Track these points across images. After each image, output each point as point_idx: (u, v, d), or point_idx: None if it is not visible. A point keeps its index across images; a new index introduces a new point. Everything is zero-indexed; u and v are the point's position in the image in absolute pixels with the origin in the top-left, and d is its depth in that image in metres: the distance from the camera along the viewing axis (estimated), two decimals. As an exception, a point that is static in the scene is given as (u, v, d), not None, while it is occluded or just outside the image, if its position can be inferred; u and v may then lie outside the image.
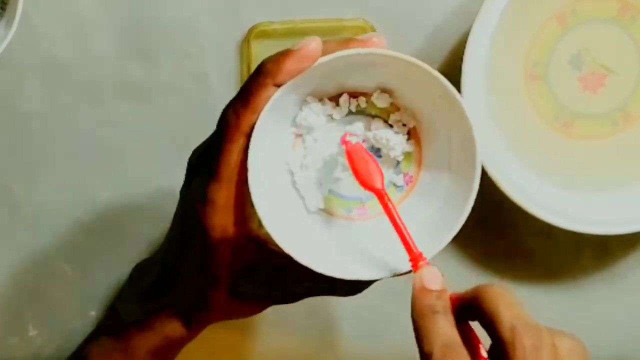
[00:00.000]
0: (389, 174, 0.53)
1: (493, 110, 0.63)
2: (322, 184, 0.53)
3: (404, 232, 0.47)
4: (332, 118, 0.52)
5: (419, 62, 0.48)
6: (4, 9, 0.61)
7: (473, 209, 0.68)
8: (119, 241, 0.68)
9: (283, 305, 0.55)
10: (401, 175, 0.53)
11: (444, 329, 0.45)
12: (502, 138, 0.64)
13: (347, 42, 0.48)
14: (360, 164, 0.50)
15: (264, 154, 0.50)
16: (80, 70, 0.66)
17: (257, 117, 0.48)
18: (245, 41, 0.63)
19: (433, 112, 0.51)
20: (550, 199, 0.65)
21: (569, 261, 0.69)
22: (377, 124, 0.53)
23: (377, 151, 0.53)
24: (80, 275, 0.68)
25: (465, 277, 0.68)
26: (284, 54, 0.48)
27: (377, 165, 0.50)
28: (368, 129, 0.52)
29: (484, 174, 0.61)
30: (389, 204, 0.48)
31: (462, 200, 0.50)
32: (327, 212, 0.53)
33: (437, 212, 0.52)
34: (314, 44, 0.47)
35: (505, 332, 0.43)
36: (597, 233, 0.64)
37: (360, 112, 0.53)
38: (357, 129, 0.52)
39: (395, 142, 0.52)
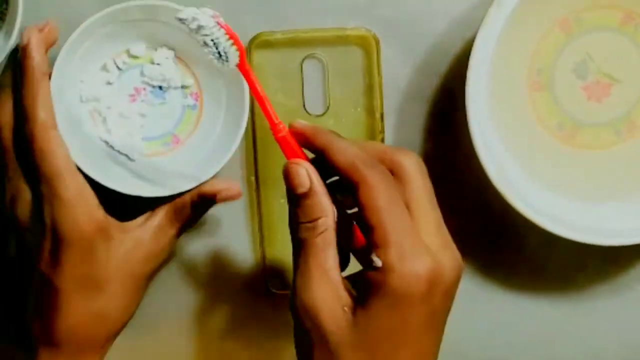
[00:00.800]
0: (182, 102, 0.63)
1: (497, 119, 0.62)
2: (133, 136, 0.63)
3: (266, 103, 0.51)
4: (109, 83, 0.62)
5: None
6: (2, 20, 0.60)
7: (476, 218, 0.68)
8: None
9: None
10: (189, 97, 0.63)
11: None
12: (506, 147, 0.63)
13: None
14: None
15: (75, 138, 0.58)
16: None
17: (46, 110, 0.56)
18: (247, 51, 0.63)
19: (190, 40, 0.56)
20: (555, 208, 0.64)
21: (573, 271, 0.69)
22: (148, 68, 0.62)
23: (161, 90, 0.63)
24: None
25: (469, 288, 0.68)
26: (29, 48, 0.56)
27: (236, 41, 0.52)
28: (144, 75, 0.63)
29: (487, 182, 0.61)
30: (251, 75, 0.52)
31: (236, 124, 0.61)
32: (151, 155, 0.63)
33: (220, 136, 0.63)
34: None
35: (347, 166, 0.48)
36: (603, 244, 0.63)
37: (130, 65, 0.63)
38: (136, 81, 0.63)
39: (168, 74, 0.62)
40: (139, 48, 0.62)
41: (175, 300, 0.67)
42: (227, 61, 0.51)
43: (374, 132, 0.64)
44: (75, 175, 0.55)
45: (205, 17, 0.50)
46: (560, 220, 0.63)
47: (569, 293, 0.70)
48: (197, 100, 0.63)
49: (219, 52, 0.51)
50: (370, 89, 0.64)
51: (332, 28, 0.63)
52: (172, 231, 0.60)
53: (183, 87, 0.63)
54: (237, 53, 0.51)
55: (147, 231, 0.59)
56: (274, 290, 0.66)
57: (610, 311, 0.70)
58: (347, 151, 0.48)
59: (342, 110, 0.64)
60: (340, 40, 0.63)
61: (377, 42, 0.63)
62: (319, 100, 0.64)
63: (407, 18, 0.64)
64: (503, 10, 0.59)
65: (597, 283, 0.70)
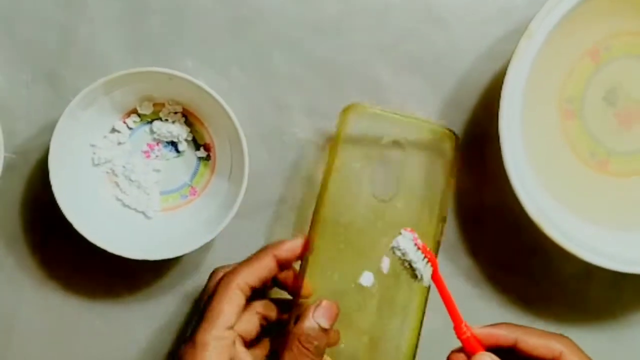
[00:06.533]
0: (196, 153, 0.63)
1: (529, 150, 0.62)
2: (149, 194, 0.63)
3: (454, 306, 0.56)
4: (121, 143, 0.62)
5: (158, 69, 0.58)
6: None
7: (512, 249, 0.67)
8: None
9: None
10: (202, 149, 0.63)
11: None
12: (539, 177, 0.63)
13: None
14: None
15: (86, 202, 0.60)
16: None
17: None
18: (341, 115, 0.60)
19: (197, 100, 0.60)
20: (590, 238, 0.63)
21: (610, 301, 0.68)
22: (157, 124, 0.62)
23: (174, 144, 0.63)
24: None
25: (507, 320, 0.67)
26: None
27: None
28: (154, 132, 0.62)
29: (522, 213, 0.60)
30: (442, 283, 0.56)
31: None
32: (168, 209, 0.63)
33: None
34: None
35: None
36: (637, 272, 0.62)
37: (139, 123, 0.63)
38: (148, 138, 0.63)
39: (176, 131, 0.62)
40: (146, 107, 0.62)
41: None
42: (421, 279, 0.56)
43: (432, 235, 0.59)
44: None
45: (405, 240, 0.56)
46: (596, 250, 0.62)
47: (607, 322, 0.69)
48: (209, 151, 0.63)
49: (412, 269, 0.56)
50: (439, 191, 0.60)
51: (418, 118, 0.61)
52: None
53: (194, 140, 0.63)
54: (431, 269, 0.56)
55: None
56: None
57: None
58: (532, 337, 0.56)
59: (405, 202, 0.60)
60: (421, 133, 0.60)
61: (454, 148, 0.60)
62: (388, 184, 0.61)
63: (434, 54, 0.64)
64: (533, 41, 0.59)
65: (634, 312, 0.69)
